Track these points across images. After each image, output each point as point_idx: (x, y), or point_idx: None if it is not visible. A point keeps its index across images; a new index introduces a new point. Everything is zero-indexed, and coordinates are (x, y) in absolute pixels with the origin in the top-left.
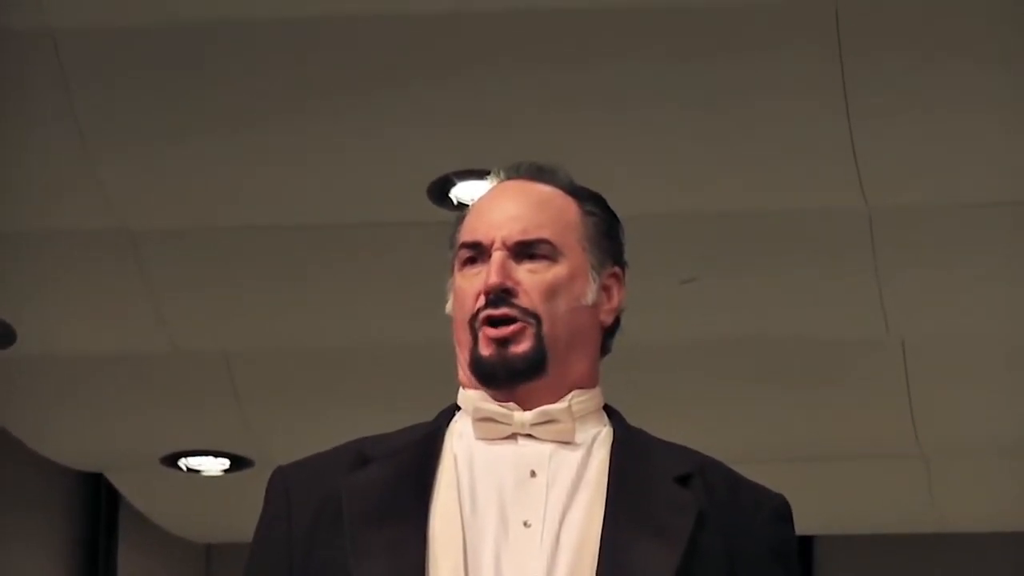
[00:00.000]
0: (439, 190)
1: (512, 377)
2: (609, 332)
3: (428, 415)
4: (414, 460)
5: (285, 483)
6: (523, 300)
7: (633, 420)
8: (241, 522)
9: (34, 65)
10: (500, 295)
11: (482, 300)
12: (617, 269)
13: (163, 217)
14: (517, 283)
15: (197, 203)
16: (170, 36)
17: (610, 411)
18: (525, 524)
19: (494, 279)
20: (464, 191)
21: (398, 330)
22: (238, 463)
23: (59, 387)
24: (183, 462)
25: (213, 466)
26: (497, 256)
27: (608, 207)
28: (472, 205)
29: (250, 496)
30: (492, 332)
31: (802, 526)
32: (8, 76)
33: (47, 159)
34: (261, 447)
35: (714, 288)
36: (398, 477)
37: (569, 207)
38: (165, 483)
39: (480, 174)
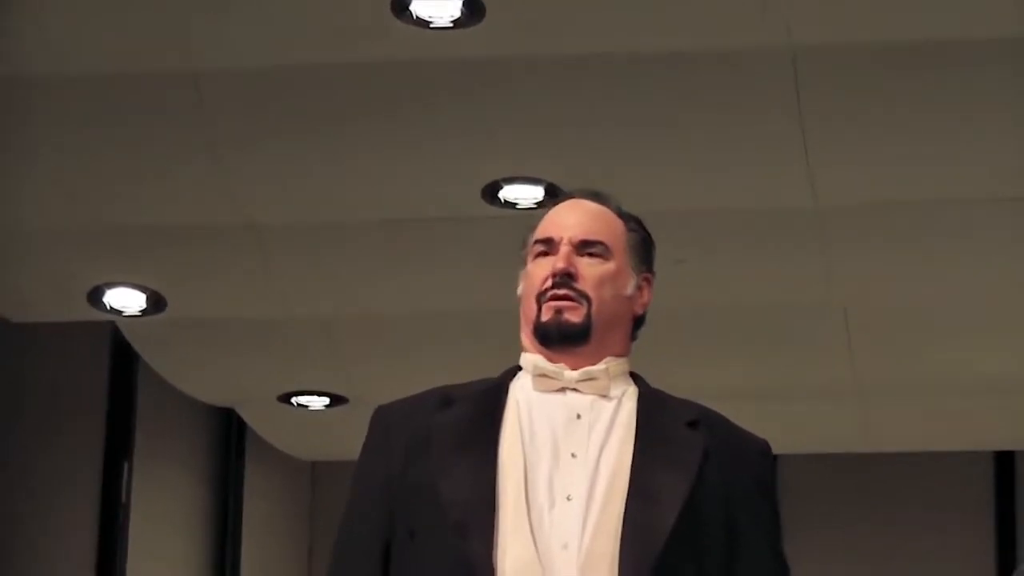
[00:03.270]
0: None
1: (564, 338)
2: (638, 322)
3: (482, 372)
4: (487, 404)
5: (384, 419)
6: (581, 284)
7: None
8: (338, 445)
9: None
10: (565, 277)
11: (550, 281)
12: (648, 274)
13: (282, 209)
14: (578, 271)
15: (309, 197)
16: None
17: (635, 376)
18: (572, 455)
19: (562, 264)
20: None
21: (458, 301)
22: (336, 400)
23: (200, 343)
24: (294, 399)
25: (317, 403)
26: (565, 249)
27: (644, 227)
28: (545, 215)
29: (344, 426)
30: (553, 303)
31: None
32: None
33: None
34: (354, 389)
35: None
36: (475, 416)
37: (617, 223)
38: (281, 415)
39: (525, 180)
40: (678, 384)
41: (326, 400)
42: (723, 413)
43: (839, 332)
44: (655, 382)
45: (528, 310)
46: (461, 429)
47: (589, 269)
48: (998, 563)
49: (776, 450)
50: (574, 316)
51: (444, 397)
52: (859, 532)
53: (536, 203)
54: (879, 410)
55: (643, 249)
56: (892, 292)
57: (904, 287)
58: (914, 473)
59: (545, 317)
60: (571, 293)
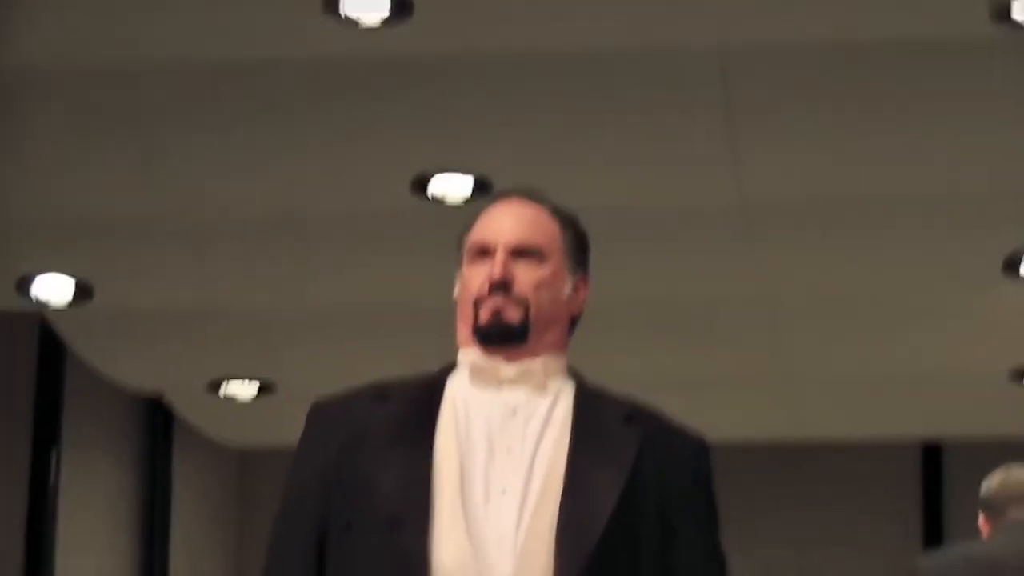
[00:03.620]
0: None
1: (503, 337)
2: (575, 320)
3: (410, 361)
4: (423, 399)
5: (320, 414)
6: (518, 290)
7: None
8: (267, 433)
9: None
10: (501, 285)
11: (486, 287)
12: (584, 274)
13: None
14: (514, 277)
15: (239, 190)
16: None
17: (574, 372)
18: (508, 450)
19: (497, 272)
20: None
21: (387, 292)
22: (264, 388)
23: (129, 332)
24: (223, 388)
25: (245, 391)
26: (500, 256)
27: (580, 226)
28: (480, 215)
29: (273, 414)
30: (491, 305)
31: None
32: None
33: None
34: (282, 377)
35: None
36: (411, 411)
37: (552, 224)
38: (209, 404)
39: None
40: (610, 375)
41: (254, 387)
42: (654, 403)
43: (768, 324)
44: (589, 373)
45: (465, 312)
46: (397, 424)
47: (525, 275)
48: (925, 550)
49: (707, 437)
50: (512, 315)
51: (380, 392)
52: (789, 520)
53: (464, 199)
54: (808, 400)
55: (578, 249)
56: (819, 285)
57: (831, 279)
58: (843, 462)
59: (483, 319)
60: (508, 300)
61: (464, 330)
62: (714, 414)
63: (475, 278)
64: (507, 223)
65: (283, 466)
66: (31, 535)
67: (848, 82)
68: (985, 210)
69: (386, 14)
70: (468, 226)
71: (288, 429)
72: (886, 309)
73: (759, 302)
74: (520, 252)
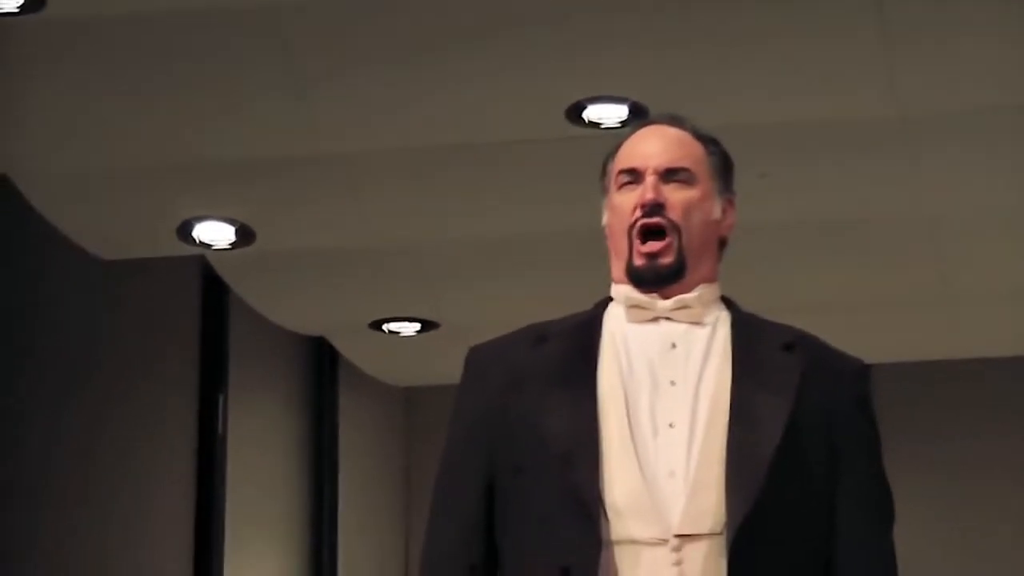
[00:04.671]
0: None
1: (659, 281)
2: (723, 243)
3: (571, 293)
4: (581, 338)
5: (478, 359)
6: (670, 213)
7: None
8: (431, 370)
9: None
10: (654, 208)
11: (639, 212)
12: (731, 195)
13: (366, 137)
14: (666, 199)
15: (392, 125)
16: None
17: (727, 300)
18: (672, 383)
19: (651, 195)
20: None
21: (546, 223)
22: (427, 326)
23: (290, 274)
24: (385, 326)
25: (408, 328)
26: (651, 179)
27: (723, 149)
28: (624, 142)
29: (436, 351)
30: (644, 248)
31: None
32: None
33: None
34: (444, 314)
35: (781, 180)
36: (570, 351)
37: (698, 147)
38: (372, 343)
39: (609, 99)
40: (766, 300)
41: (417, 326)
42: (814, 326)
43: (927, 241)
44: (743, 299)
45: (618, 245)
46: (558, 364)
47: (676, 196)
48: None
49: (869, 360)
50: (667, 258)
51: (538, 334)
52: (952, 441)
53: (620, 122)
54: (969, 317)
55: (724, 171)
56: (980, 199)
57: (991, 194)
58: (1007, 378)
59: (638, 262)
60: (662, 222)
61: (618, 264)
62: (876, 334)
63: (626, 204)
64: (654, 146)
65: (447, 403)
66: (201, 479)
67: None
68: None
69: None
70: (611, 153)
71: (452, 366)
72: None
73: (919, 220)
74: (670, 174)
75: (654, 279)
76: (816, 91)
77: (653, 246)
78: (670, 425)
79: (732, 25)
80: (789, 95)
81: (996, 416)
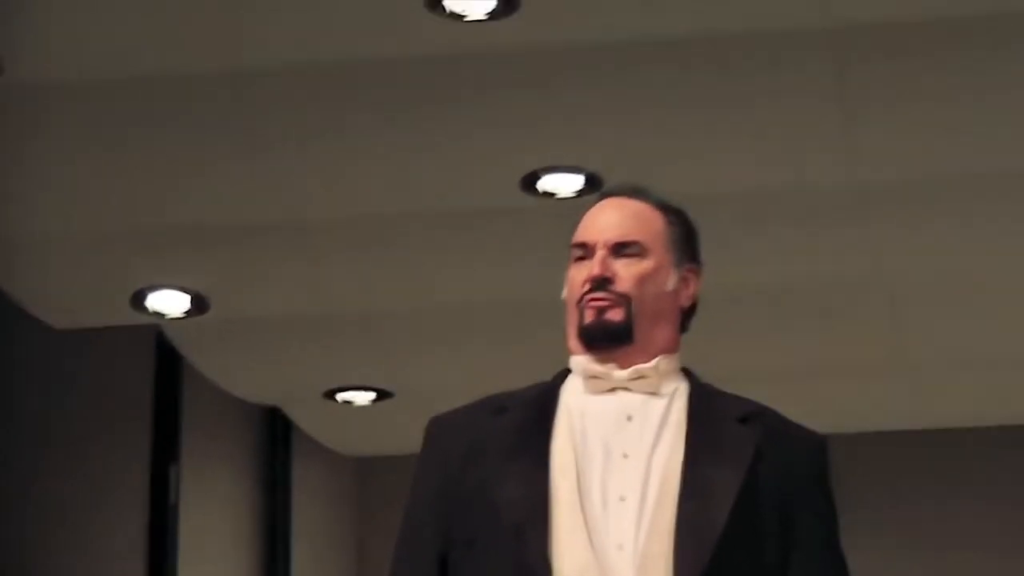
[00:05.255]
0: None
1: (608, 337)
2: (687, 314)
3: (525, 362)
4: (539, 409)
5: (439, 429)
6: (618, 286)
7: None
8: (385, 440)
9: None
10: (600, 282)
11: (587, 286)
12: (693, 266)
13: (324, 205)
14: (614, 274)
15: (350, 192)
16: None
17: (686, 372)
18: (624, 456)
19: (597, 270)
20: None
21: (502, 292)
22: (382, 395)
23: (244, 343)
24: (340, 395)
25: (363, 398)
26: (600, 253)
27: (687, 218)
28: (584, 216)
29: (391, 420)
30: (594, 304)
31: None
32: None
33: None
34: (399, 383)
35: (739, 248)
36: (527, 422)
37: (656, 218)
38: (327, 412)
39: (564, 169)
40: (722, 368)
41: (372, 395)
42: (771, 395)
43: (885, 308)
44: (701, 367)
45: (571, 315)
46: (514, 436)
47: (626, 270)
48: None
49: (826, 430)
50: (615, 315)
51: (497, 405)
52: (914, 511)
53: (576, 192)
54: (929, 386)
55: (685, 241)
56: (937, 265)
57: (949, 260)
58: (968, 449)
59: (587, 320)
60: (609, 296)
61: (572, 332)
62: (833, 403)
63: (577, 277)
64: (607, 220)
65: (402, 473)
66: (153, 550)
67: (962, 57)
68: None
69: (492, 6)
70: (576, 225)
71: (406, 435)
72: (1005, 289)
73: (877, 288)
74: (620, 248)
75: (603, 335)
76: (774, 159)
77: (601, 303)
78: (621, 498)
79: (689, 95)
80: (746, 163)
81: (953, 487)
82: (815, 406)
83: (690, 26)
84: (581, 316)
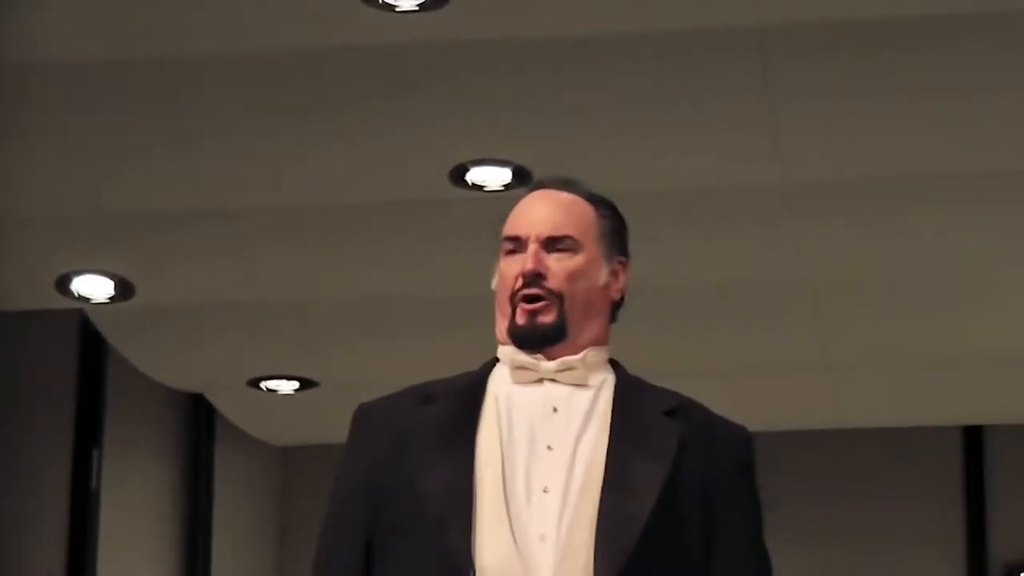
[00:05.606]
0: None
1: (541, 341)
2: (617, 306)
3: (452, 354)
4: (466, 399)
5: (366, 417)
6: (551, 282)
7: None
8: (309, 429)
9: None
10: (534, 278)
11: (520, 281)
12: (623, 258)
13: (250, 194)
14: (547, 268)
15: (277, 182)
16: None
17: (614, 363)
18: (548, 448)
19: (530, 265)
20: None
21: (429, 284)
22: (306, 384)
23: (169, 329)
24: (264, 384)
25: (287, 387)
26: (532, 248)
27: (617, 211)
28: (515, 207)
29: (314, 410)
30: (526, 307)
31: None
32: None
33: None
34: (324, 372)
35: (664, 245)
36: (454, 412)
37: (587, 211)
38: (251, 400)
39: (492, 162)
40: (648, 364)
41: (296, 384)
42: (692, 391)
43: (808, 308)
44: (627, 360)
45: (503, 308)
46: (441, 425)
47: (558, 265)
48: (967, 538)
49: (750, 428)
50: (547, 317)
51: (424, 394)
52: (830, 508)
53: (504, 185)
54: (848, 386)
55: (615, 234)
56: (860, 267)
57: (872, 262)
58: (884, 448)
59: (520, 321)
60: (541, 292)
61: (503, 326)
62: (755, 401)
63: (509, 271)
64: (539, 214)
65: (326, 462)
66: (74, 535)
67: (889, 58)
68: None
69: None
70: (506, 217)
71: (330, 425)
72: (928, 291)
73: (801, 286)
74: (553, 242)
75: (535, 338)
76: (701, 157)
77: (534, 304)
78: (544, 490)
79: (618, 91)
80: (674, 161)
81: (871, 484)
82: (738, 404)
83: (620, 23)
84: (513, 315)
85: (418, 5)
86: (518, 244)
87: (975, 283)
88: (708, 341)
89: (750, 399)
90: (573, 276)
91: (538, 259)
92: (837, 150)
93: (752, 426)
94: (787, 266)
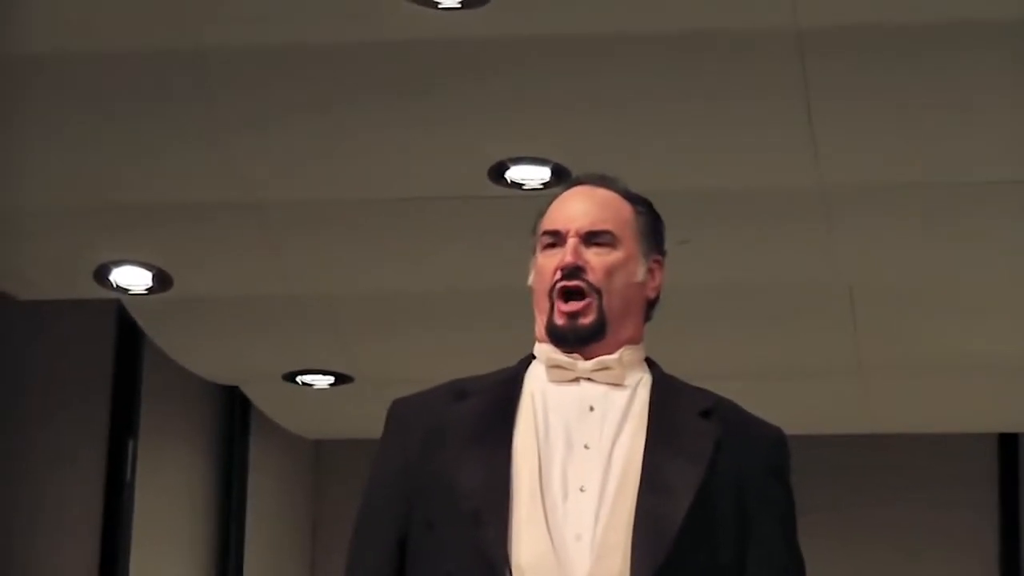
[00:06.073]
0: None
1: (580, 342)
2: (651, 304)
3: (487, 351)
4: (501, 396)
5: (400, 412)
6: (590, 276)
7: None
8: (343, 424)
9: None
10: (574, 271)
11: (559, 274)
12: (659, 256)
13: (288, 187)
14: (586, 262)
15: (315, 176)
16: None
17: (650, 362)
18: (585, 447)
19: (570, 258)
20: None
21: (465, 280)
22: (341, 379)
23: (206, 321)
24: (299, 378)
25: (322, 381)
26: (572, 241)
27: (654, 208)
28: (552, 202)
29: (349, 404)
30: (565, 307)
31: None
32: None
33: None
34: (358, 367)
35: (701, 246)
36: (490, 409)
37: (625, 208)
38: (285, 394)
39: (532, 160)
40: (683, 365)
41: (331, 379)
42: (726, 393)
43: (844, 311)
44: (663, 360)
45: (541, 304)
46: (476, 422)
47: (597, 260)
48: (1001, 545)
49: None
50: (587, 318)
51: (459, 390)
52: (863, 513)
53: (543, 183)
54: (883, 391)
55: (652, 232)
56: (897, 271)
57: (909, 266)
58: (918, 454)
59: (559, 321)
60: (581, 284)
61: (540, 320)
62: (789, 405)
63: (548, 265)
64: (578, 208)
65: (359, 457)
66: (108, 525)
67: (929, 62)
68: None
69: None
70: (541, 212)
71: (364, 420)
72: (965, 297)
73: (836, 290)
74: (592, 237)
75: (574, 339)
76: (738, 158)
77: (573, 306)
78: (581, 489)
79: (658, 91)
80: (712, 161)
81: (905, 490)
82: (772, 407)
83: (660, 22)
84: (551, 311)
85: (460, 2)
86: (557, 238)
87: (1013, 289)
88: (743, 343)
89: (784, 402)
90: (612, 271)
91: (577, 253)
92: (875, 152)
93: (786, 429)
94: (823, 268)
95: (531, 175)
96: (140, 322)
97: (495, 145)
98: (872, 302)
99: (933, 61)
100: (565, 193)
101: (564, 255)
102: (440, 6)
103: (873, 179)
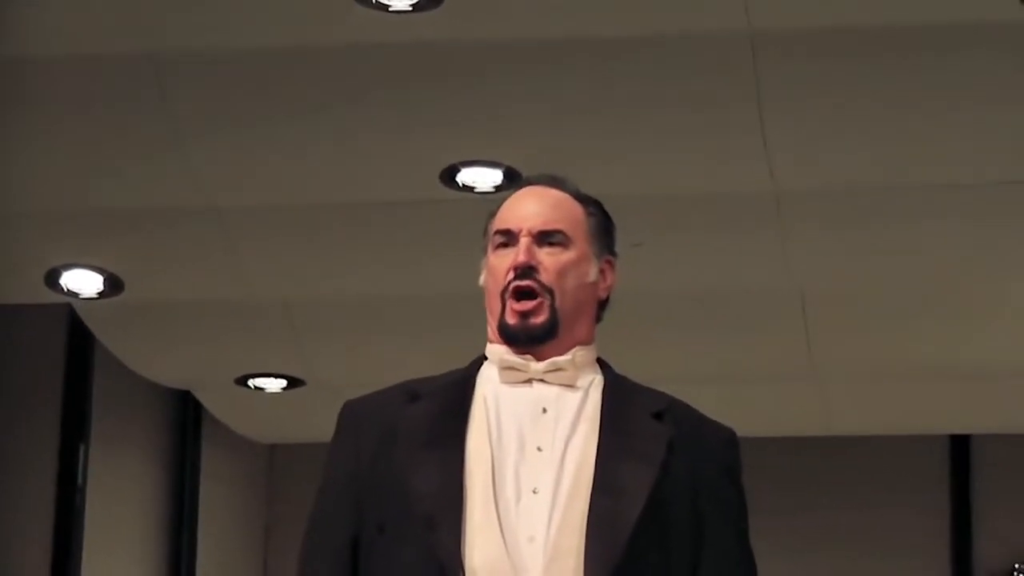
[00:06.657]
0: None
1: (531, 341)
2: (602, 305)
3: (439, 355)
4: (454, 398)
5: (352, 414)
6: (543, 276)
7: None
8: (296, 428)
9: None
10: (527, 270)
11: (512, 274)
12: (610, 257)
13: (240, 192)
14: (539, 262)
15: (267, 181)
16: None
17: (602, 363)
18: (538, 449)
19: (523, 257)
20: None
21: (417, 284)
22: (293, 383)
23: (157, 326)
24: (252, 382)
25: (274, 385)
26: (524, 241)
27: (604, 209)
28: (504, 203)
29: (302, 409)
30: (517, 306)
31: None
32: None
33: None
34: (311, 372)
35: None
36: (442, 411)
37: (576, 208)
38: (238, 398)
39: (484, 163)
40: (636, 368)
41: (283, 383)
42: (681, 397)
43: (796, 315)
44: (617, 364)
45: (493, 304)
46: (429, 424)
47: (550, 260)
48: (953, 546)
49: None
50: (539, 318)
51: (411, 392)
52: (816, 516)
53: (494, 187)
54: (836, 394)
55: (604, 233)
56: (849, 276)
57: (861, 271)
58: (871, 456)
59: (511, 320)
60: (534, 285)
61: (492, 321)
62: (742, 408)
63: (500, 265)
64: (531, 208)
65: (312, 461)
66: (59, 530)
67: (881, 67)
68: (1021, 198)
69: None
70: (492, 212)
71: (316, 424)
72: (917, 301)
73: (788, 294)
74: (544, 237)
75: (526, 339)
76: (691, 163)
77: (525, 305)
78: (534, 491)
79: (609, 95)
80: (664, 166)
81: (858, 491)
82: (725, 410)
83: (611, 26)
84: (503, 311)
85: (411, 5)
86: (509, 238)
87: (963, 294)
88: (696, 347)
89: (737, 405)
90: (564, 271)
91: (531, 252)
92: (827, 158)
93: (740, 432)
94: (776, 274)
95: (483, 178)
96: (91, 327)
97: (447, 149)
98: (824, 307)
99: (886, 65)
100: (517, 193)
101: (517, 254)
102: (391, 9)
103: (824, 184)
